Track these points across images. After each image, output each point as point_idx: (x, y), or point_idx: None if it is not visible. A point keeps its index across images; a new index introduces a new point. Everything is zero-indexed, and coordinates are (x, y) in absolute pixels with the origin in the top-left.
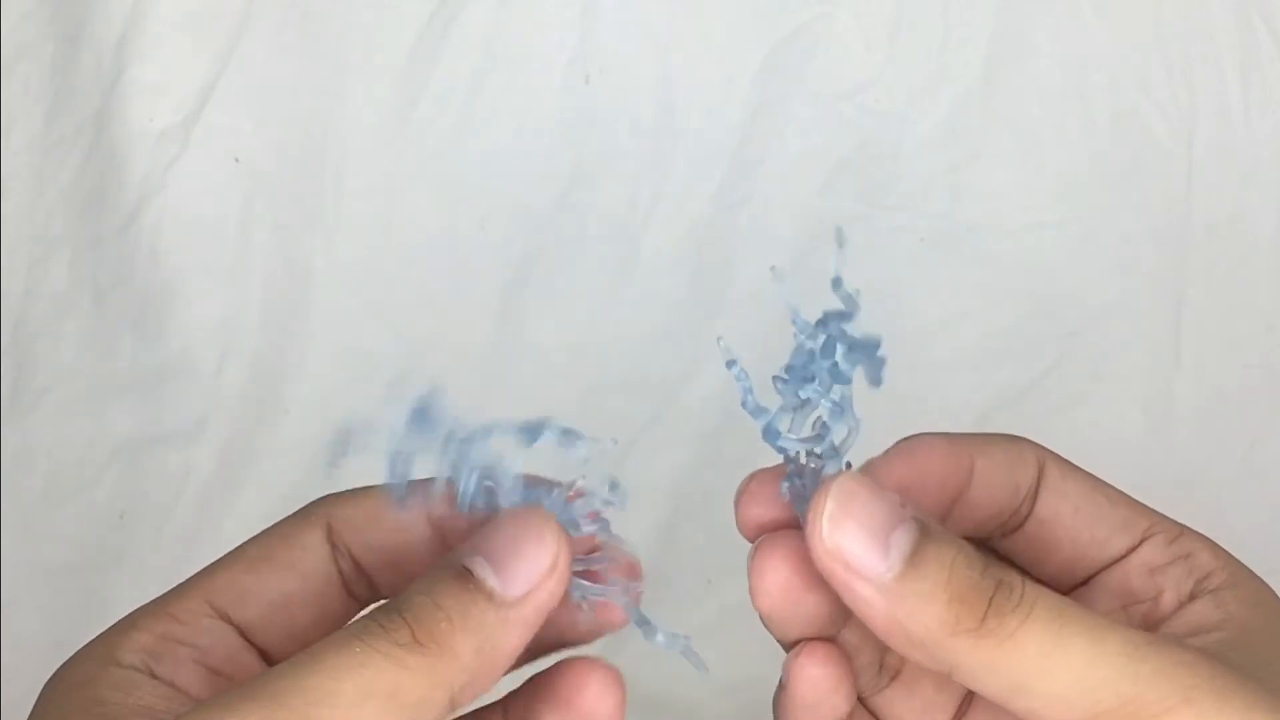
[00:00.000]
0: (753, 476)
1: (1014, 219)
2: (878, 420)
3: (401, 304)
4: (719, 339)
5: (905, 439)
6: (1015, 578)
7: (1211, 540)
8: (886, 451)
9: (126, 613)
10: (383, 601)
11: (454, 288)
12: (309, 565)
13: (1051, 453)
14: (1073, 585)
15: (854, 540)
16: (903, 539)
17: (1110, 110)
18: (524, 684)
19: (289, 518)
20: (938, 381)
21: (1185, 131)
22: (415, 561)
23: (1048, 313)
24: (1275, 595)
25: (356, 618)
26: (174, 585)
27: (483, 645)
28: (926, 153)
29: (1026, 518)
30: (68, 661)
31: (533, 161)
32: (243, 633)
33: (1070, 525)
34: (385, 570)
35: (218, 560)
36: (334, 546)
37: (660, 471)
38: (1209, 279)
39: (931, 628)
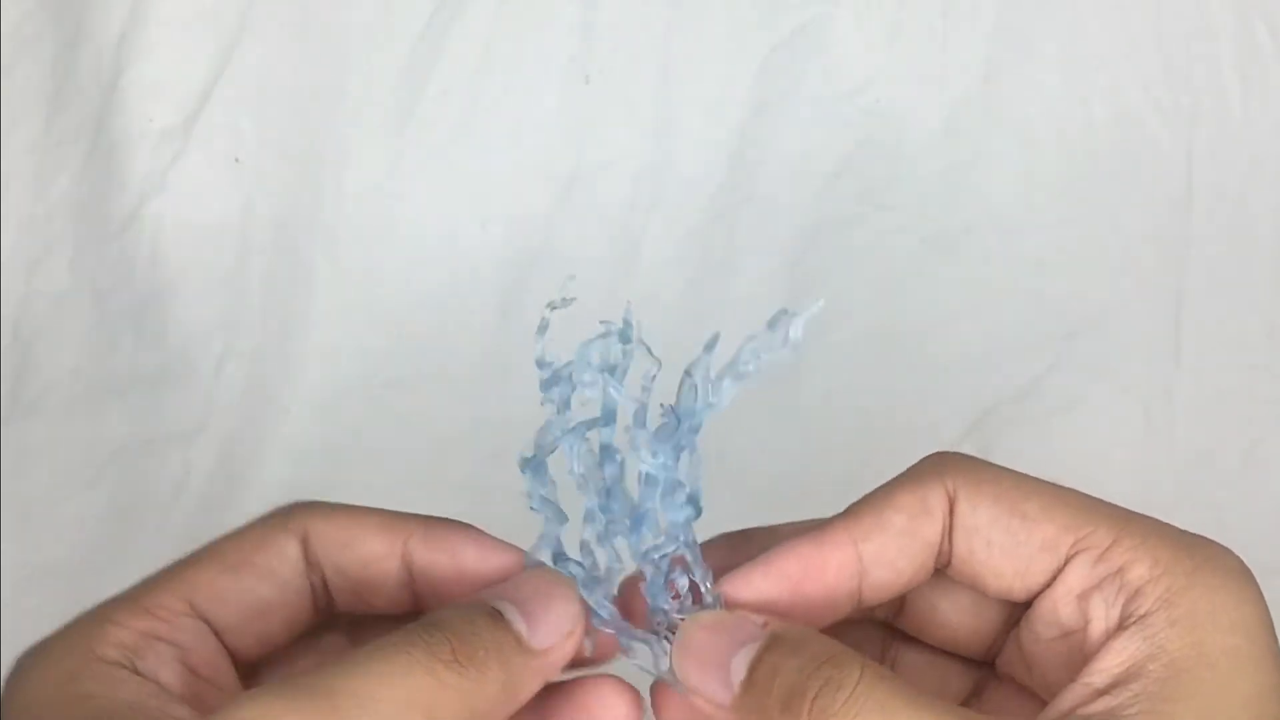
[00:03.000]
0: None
1: (1014, 219)
2: (878, 420)
3: (401, 304)
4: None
5: (769, 553)
6: (851, 673)
7: (1160, 534)
8: (750, 565)
9: None
10: (422, 617)
11: (454, 288)
12: (285, 574)
13: (967, 473)
14: (1017, 615)
15: (699, 673)
16: (742, 660)
17: (1110, 110)
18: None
19: (262, 522)
20: (938, 381)
21: (1185, 131)
22: (380, 594)
23: (1048, 313)
24: (1234, 594)
25: (400, 630)
26: (145, 579)
27: (508, 682)
28: (926, 153)
29: (951, 550)
30: (39, 654)
31: (533, 161)
32: (218, 635)
33: (985, 560)
34: (348, 594)
35: (191, 559)
36: (308, 562)
37: None
38: (1209, 279)
39: None
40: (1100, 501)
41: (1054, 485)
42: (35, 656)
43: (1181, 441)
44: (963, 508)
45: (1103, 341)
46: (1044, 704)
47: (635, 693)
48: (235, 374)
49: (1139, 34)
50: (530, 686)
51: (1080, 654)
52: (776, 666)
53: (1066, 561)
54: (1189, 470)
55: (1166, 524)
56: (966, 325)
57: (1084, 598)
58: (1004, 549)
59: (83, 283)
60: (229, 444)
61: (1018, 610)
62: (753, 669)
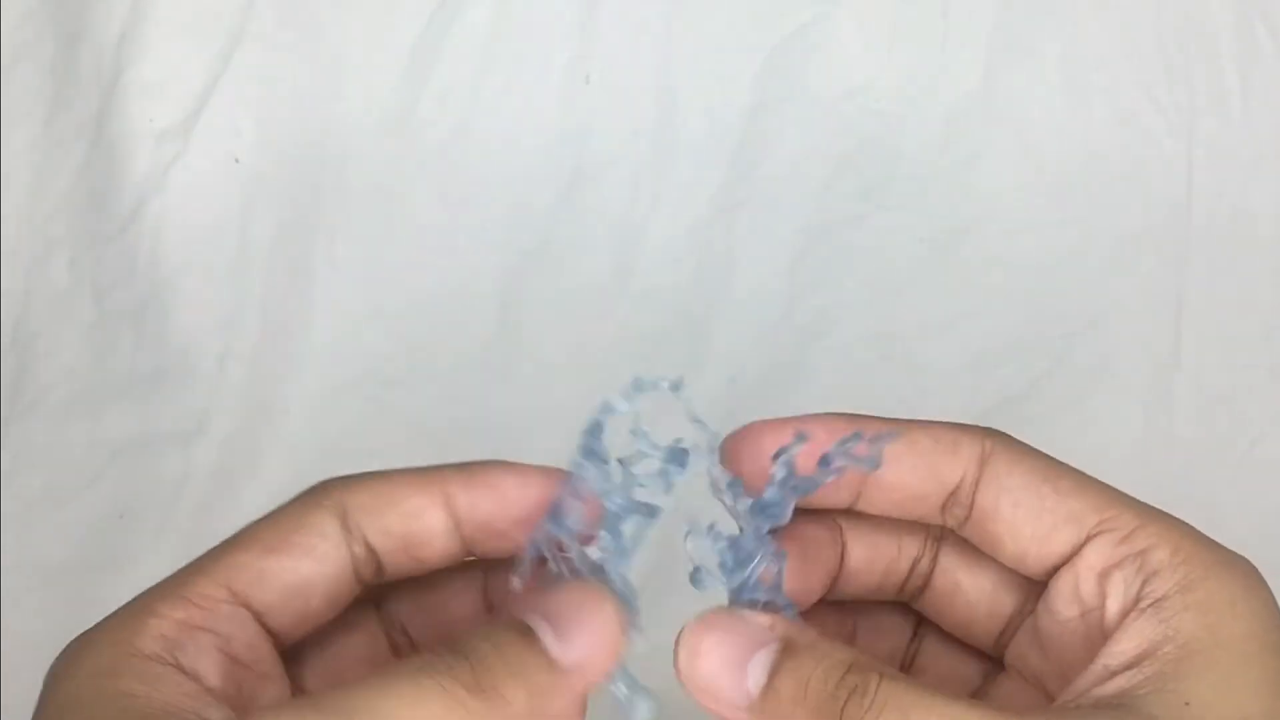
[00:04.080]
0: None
1: (1014, 219)
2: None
3: (401, 304)
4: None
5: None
6: (872, 677)
7: (1183, 529)
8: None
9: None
10: (445, 644)
11: (454, 288)
12: (324, 550)
13: (1008, 443)
14: (1029, 586)
15: (711, 674)
16: (760, 664)
17: (1110, 110)
18: None
19: (297, 502)
20: (938, 382)
21: (1185, 131)
22: (430, 547)
23: (1048, 313)
24: (1249, 590)
25: (422, 654)
26: (184, 567)
27: (534, 703)
28: (926, 153)
29: (971, 504)
30: (80, 647)
31: (533, 161)
32: (258, 617)
33: (1009, 520)
34: (398, 554)
35: (228, 544)
36: (348, 532)
37: None
38: (1209, 279)
39: None
40: (1127, 495)
41: (1085, 473)
42: (77, 649)
43: (1181, 441)
44: (998, 467)
45: (1103, 341)
46: (1048, 698)
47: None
48: (235, 374)
49: (1139, 34)
50: (558, 704)
51: (1098, 633)
52: (801, 673)
53: (1087, 540)
54: (1189, 470)
55: (1187, 524)
56: (967, 325)
57: (1104, 575)
58: (1029, 512)
59: (83, 283)
60: (229, 444)
61: (1032, 598)
62: (774, 675)
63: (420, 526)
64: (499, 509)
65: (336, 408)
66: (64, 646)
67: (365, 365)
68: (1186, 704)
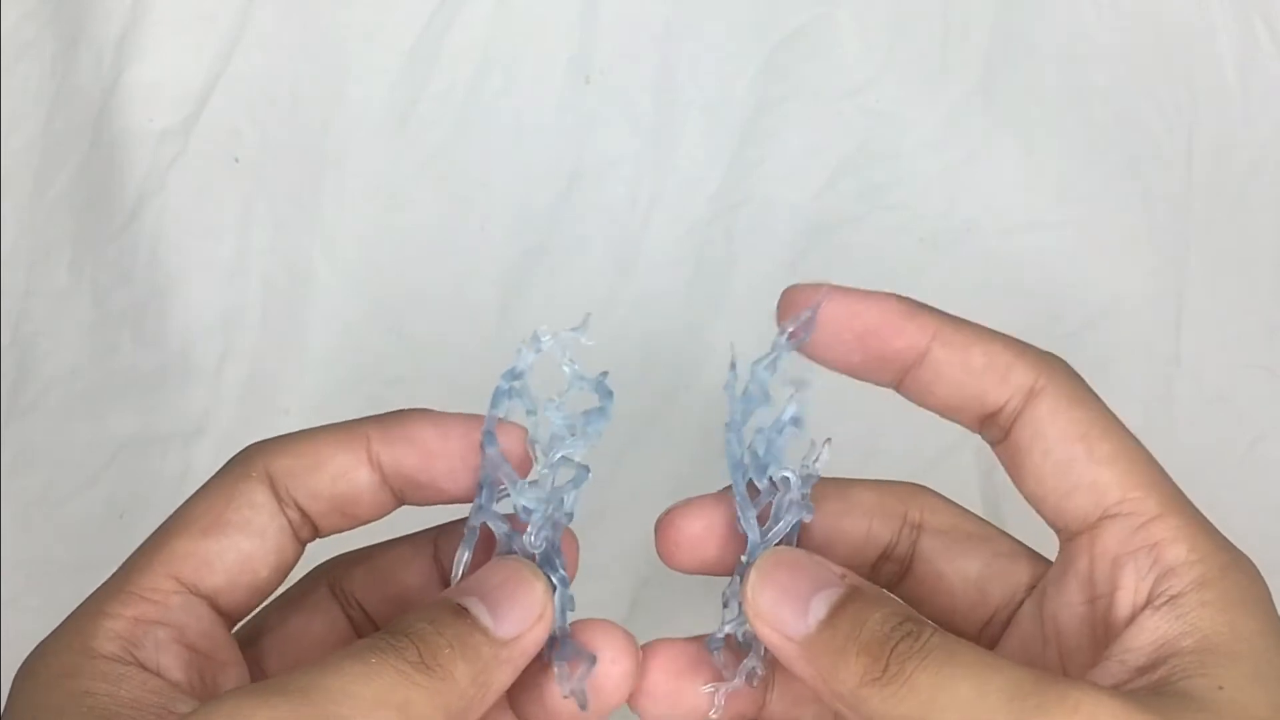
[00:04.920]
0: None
1: (1014, 219)
2: (878, 420)
3: (401, 304)
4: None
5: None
6: (925, 628)
7: (1200, 523)
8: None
9: None
10: (388, 624)
11: (454, 288)
12: (260, 523)
13: (1063, 382)
14: (1015, 578)
15: (774, 604)
16: (823, 601)
17: (1110, 110)
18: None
19: (225, 474)
20: None
21: (1185, 131)
22: (360, 504)
23: (1048, 313)
24: (1256, 588)
25: (369, 637)
26: (125, 562)
27: (478, 676)
28: (926, 153)
29: (1009, 432)
30: (40, 653)
31: (533, 161)
32: (210, 601)
33: (1036, 465)
34: (331, 515)
35: (165, 531)
36: (279, 499)
37: (660, 471)
38: (1209, 279)
39: (845, 680)
40: (1162, 473)
41: (1136, 443)
42: (39, 655)
43: (1181, 441)
44: (1041, 408)
45: (1103, 341)
46: None
47: (630, 635)
48: (235, 374)
49: (1139, 34)
50: (504, 675)
51: (1103, 622)
52: (861, 614)
53: (1102, 518)
54: (1189, 470)
55: (1206, 519)
56: None
57: (1117, 563)
58: (1057, 466)
59: (83, 283)
60: (229, 444)
61: (1020, 589)
62: (834, 612)
63: (348, 486)
64: (422, 462)
65: (336, 408)
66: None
67: (365, 365)
68: (1220, 688)
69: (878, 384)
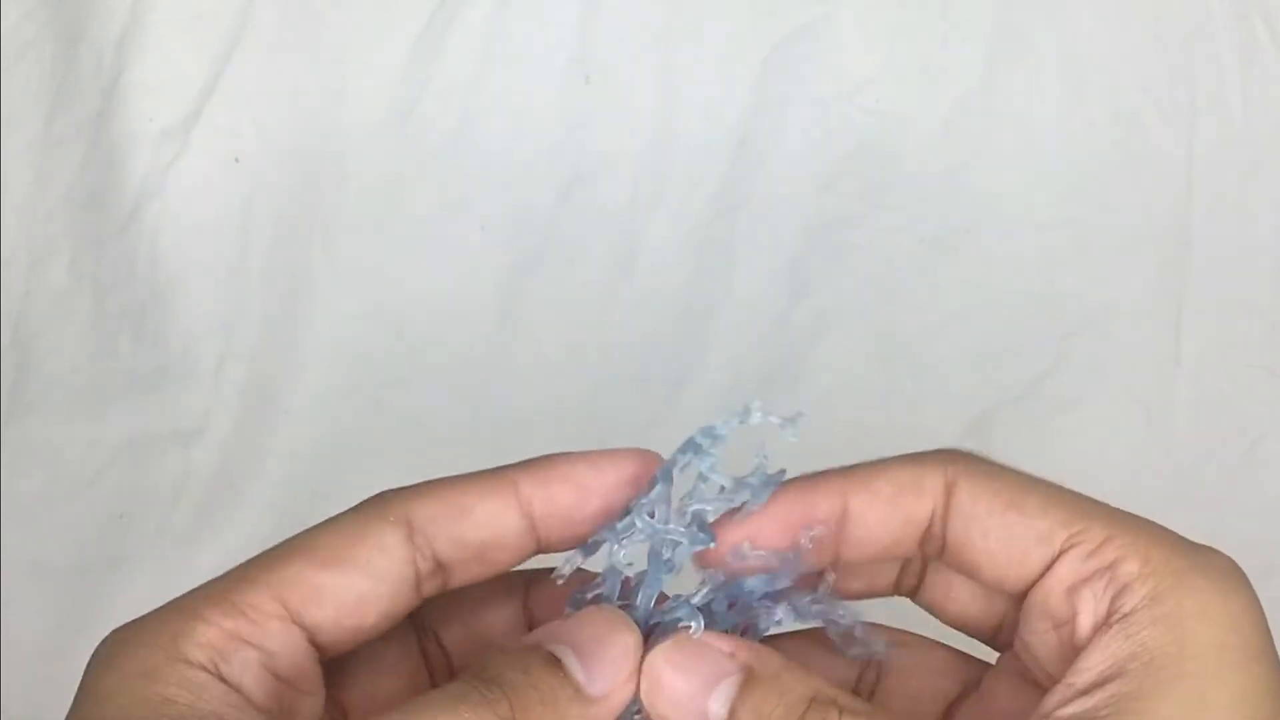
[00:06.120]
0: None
1: (1014, 219)
2: (877, 421)
3: (401, 304)
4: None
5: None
6: (831, 714)
7: (1154, 536)
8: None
9: (137, 610)
10: (475, 667)
11: (454, 288)
12: (383, 566)
13: (972, 467)
14: (1011, 604)
15: (674, 704)
16: (721, 698)
17: (1110, 110)
18: None
19: (357, 513)
20: (938, 382)
21: (1185, 131)
22: (505, 549)
23: (1048, 313)
24: (1225, 594)
25: (455, 683)
26: (234, 570)
27: None
28: (926, 153)
29: (945, 542)
30: (123, 643)
31: (533, 161)
32: (309, 635)
33: (981, 548)
34: (469, 564)
35: (283, 552)
36: (414, 546)
37: None
38: (1209, 279)
39: None
40: (1099, 503)
41: (1055, 485)
42: (121, 645)
43: (1181, 441)
44: (961, 497)
45: (1103, 341)
46: (1040, 695)
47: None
48: (235, 374)
49: (1139, 34)
50: None
51: (1070, 647)
52: (761, 707)
53: (1059, 555)
54: (1189, 470)
55: (1162, 527)
56: (966, 326)
57: (1073, 590)
58: (1000, 539)
59: (83, 282)
60: (229, 444)
61: (1019, 602)
62: (735, 708)
63: (495, 532)
64: (579, 500)
65: (336, 408)
66: (104, 636)
67: (365, 365)
68: None
69: (818, 568)
